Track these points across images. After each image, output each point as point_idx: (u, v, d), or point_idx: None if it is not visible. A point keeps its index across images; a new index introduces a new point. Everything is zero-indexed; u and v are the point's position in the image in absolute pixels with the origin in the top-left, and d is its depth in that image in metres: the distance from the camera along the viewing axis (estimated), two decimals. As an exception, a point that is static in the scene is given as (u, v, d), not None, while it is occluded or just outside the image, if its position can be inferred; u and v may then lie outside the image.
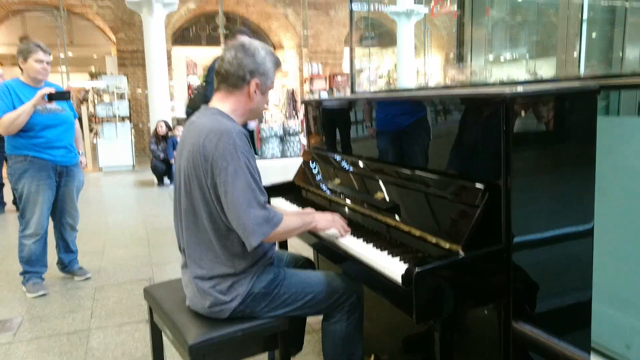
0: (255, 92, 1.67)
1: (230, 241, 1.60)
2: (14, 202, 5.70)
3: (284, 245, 2.40)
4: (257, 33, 14.30)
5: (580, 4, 3.19)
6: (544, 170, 1.40)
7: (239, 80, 1.64)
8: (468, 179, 1.45)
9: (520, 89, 1.35)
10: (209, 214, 1.59)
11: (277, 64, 1.73)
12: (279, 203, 2.33)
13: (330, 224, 1.74)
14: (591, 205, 1.45)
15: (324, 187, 2.19)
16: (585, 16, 3.15)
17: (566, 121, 1.42)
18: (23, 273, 3.31)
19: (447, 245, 1.40)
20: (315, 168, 2.37)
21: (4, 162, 5.34)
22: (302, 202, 2.29)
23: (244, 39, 1.73)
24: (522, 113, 1.33)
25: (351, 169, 2.07)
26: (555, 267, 1.45)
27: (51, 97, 3.10)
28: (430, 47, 14.14)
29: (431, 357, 1.50)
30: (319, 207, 2.14)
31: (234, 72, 1.64)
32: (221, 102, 1.68)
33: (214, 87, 1.71)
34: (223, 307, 1.62)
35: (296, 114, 12.24)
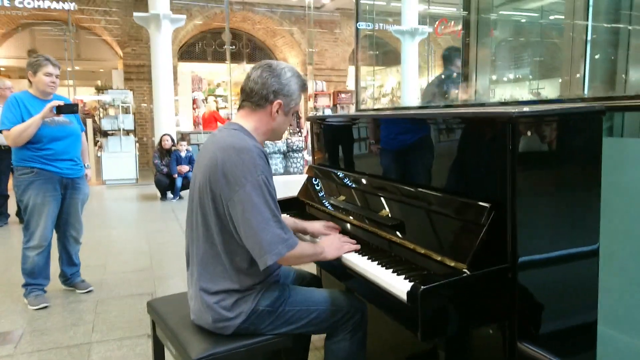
0: (277, 112, 1.68)
1: (240, 257, 1.60)
2: (17, 213, 5.71)
3: (287, 261, 2.39)
4: (262, 50, 14.46)
5: (585, 25, 3.22)
6: (550, 189, 1.41)
7: (262, 99, 1.66)
8: (473, 197, 1.46)
9: (526, 108, 1.37)
10: (220, 229, 1.59)
11: (304, 86, 1.74)
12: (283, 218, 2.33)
13: (339, 252, 1.74)
14: (596, 226, 1.45)
15: (328, 203, 2.20)
16: (589, 37, 3.18)
17: (572, 141, 1.43)
18: (25, 285, 3.31)
19: (452, 264, 1.40)
20: (319, 184, 2.38)
21: (10, 175, 5.38)
22: (306, 218, 2.29)
23: (273, 61, 1.76)
24: (528, 133, 1.34)
25: (357, 185, 2.07)
26: (560, 288, 1.44)
27: (60, 110, 3.13)
28: (434, 66, 14.25)
29: (435, 376, 1.49)
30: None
31: (258, 91, 1.66)
32: (244, 120, 1.70)
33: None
34: (227, 324, 1.61)
35: (300, 130, 12.30)
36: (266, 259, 1.51)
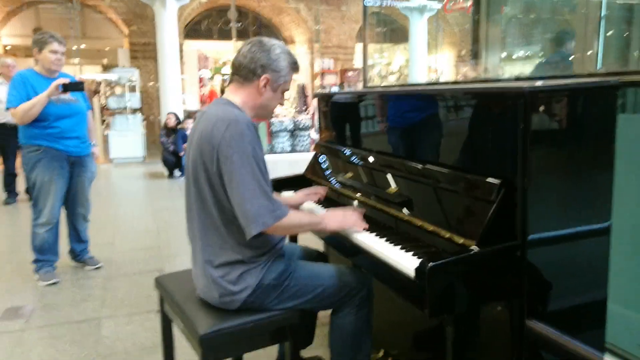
0: (265, 86, 1.67)
1: (237, 228, 1.60)
2: (27, 191, 5.75)
3: (293, 238, 2.39)
4: (269, 28, 14.30)
5: (599, 2, 3.15)
6: (562, 166, 1.39)
7: (250, 73, 1.65)
8: (483, 174, 1.44)
9: (539, 83, 1.34)
10: (216, 201, 1.59)
11: (294, 64, 1.73)
12: (287, 193, 2.33)
13: (341, 225, 1.73)
14: (609, 204, 1.43)
15: (335, 180, 2.19)
16: (603, 14, 3.11)
17: (585, 117, 1.40)
18: (35, 261, 3.34)
19: (460, 241, 1.39)
20: (326, 161, 2.37)
21: (17, 153, 5.40)
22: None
23: (265, 37, 1.74)
24: (541, 108, 1.31)
25: (364, 163, 2.06)
26: (570, 266, 1.43)
27: (65, 88, 3.12)
28: (443, 43, 14.06)
29: (442, 352, 1.49)
30: (330, 201, 2.14)
31: (246, 65, 1.65)
32: (232, 94, 1.70)
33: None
34: (233, 298, 1.62)
35: (306, 109, 12.23)
36: (251, 229, 1.52)
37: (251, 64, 1.64)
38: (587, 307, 1.49)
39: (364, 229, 1.72)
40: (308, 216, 1.72)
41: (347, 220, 1.74)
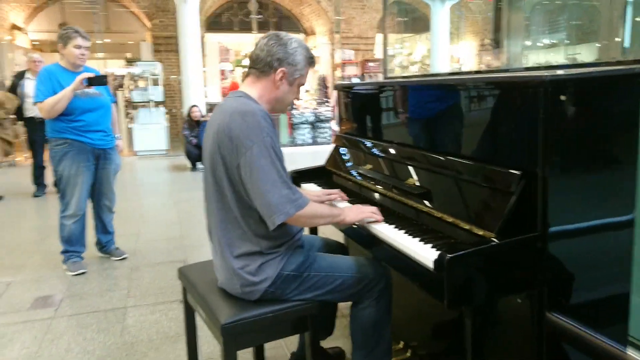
0: (281, 80, 1.68)
1: (254, 220, 1.62)
2: (55, 184, 5.89)
3: (314, 230, 2.41)
4: (289, 19, 14.28)
5: (626, -14, 3.05)
6: (584, 157, 1.36)
7: (266, 66, 1.66)
8: (503, 165, 1.42)
9: (560, 72, 1.31)
10: (234, 193, 1.61)
11: (311, 59, 1.73)
12: (311, 188, 2.34)
13: (358, 217, 1.74)
14: (632, 196, 1.40)
15: (355, 172, 2.19)
16: (630, -1, 3.01)
17: (608, 106, 1.37)
18: (63, 252, 3.44)
19: (480, 232, 1.39)
20: (347, 153, 2.37)
21: (45, 146, 5.54)
22: (333, 187, 2.29)
23: (283, 32, 1.74)
24: (562, 98, 1.29)
25: (384, 154, 2.05)
26: (592, 258, 1.41)
27: (90, 82, 3.19)
28: (465, 32, 13.83)
29: (461, 344, 1.49)
30: (350, 193, 2.14)
31: (263, 58, 1.66)
32: (249, 87, 1.71)
33: None
34: (253, 289, 1.64)
35: (327, 100, 12.21)
36: (274, 219, 1.54)
37: (268, 57, 1.66)
38: (610, 300, 1.47)
39: (382, 221, 1.72)
40: (328, 208, 1.74)
41: (365, 212, 1.74)
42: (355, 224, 1.78)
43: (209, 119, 6.55)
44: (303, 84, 1.77)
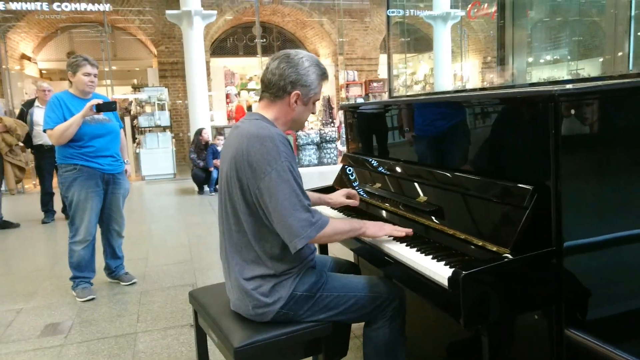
0: (296, 102, 1.68)
1: (270, 244, 1.61)
2: (63, 210, 5.93)
3: (324, 249, 2.40)
4: (293, 42, 14.47)
5: (628, 1, 3.08)
6: (596, 170, 1.36)
7: (280, 90, 1.67)
8: (515, 180, 1.42)
9: (569, 86, 1.32)
10: (249, 217, 1.61)
11: (324, 74, 1.73)
12: (321, 209, 2.34)
13: (380, 231, 1.73)
14: (647, 207, 1.39)
15: (364, 191, 2.19)
16: (633, 13, 3.04)
17: (618, 119, 1.37)
18: (73, 278, 3.44)
19: (494, 248, 1.37)
20: (354, 173, 2.37)
21: (54, 173, 5.59)
22: (343, 207, 2.29)
23: (292, 50, 1.75)
24: (572, 111, 1.29)
25: (393, 172, 2.05)
26: (609, 272, 1.39)
27: (99, 108, 3.23)
28: (467, 50, 13.94)
29: (478, 363, 1.46)
30: (360, 212, 2.14)
31: (275, 82, 1.66)
32: (264, 110, 1.71)
33: None
34: (266, 310, 1.63)
35: (332, 121, 12.27)
36: (296, 243, 1.53)
37: (280, 81, 1.65)
38: (629, 315, 1.44)
39: (406, 235, 1.72)
40: (348, 222, 1.72)
41: (387, 225, 1.74)
42: (366, 239, 1.77)
43: (216, 142, 6.60)
44: (318, 100, 1.78)
